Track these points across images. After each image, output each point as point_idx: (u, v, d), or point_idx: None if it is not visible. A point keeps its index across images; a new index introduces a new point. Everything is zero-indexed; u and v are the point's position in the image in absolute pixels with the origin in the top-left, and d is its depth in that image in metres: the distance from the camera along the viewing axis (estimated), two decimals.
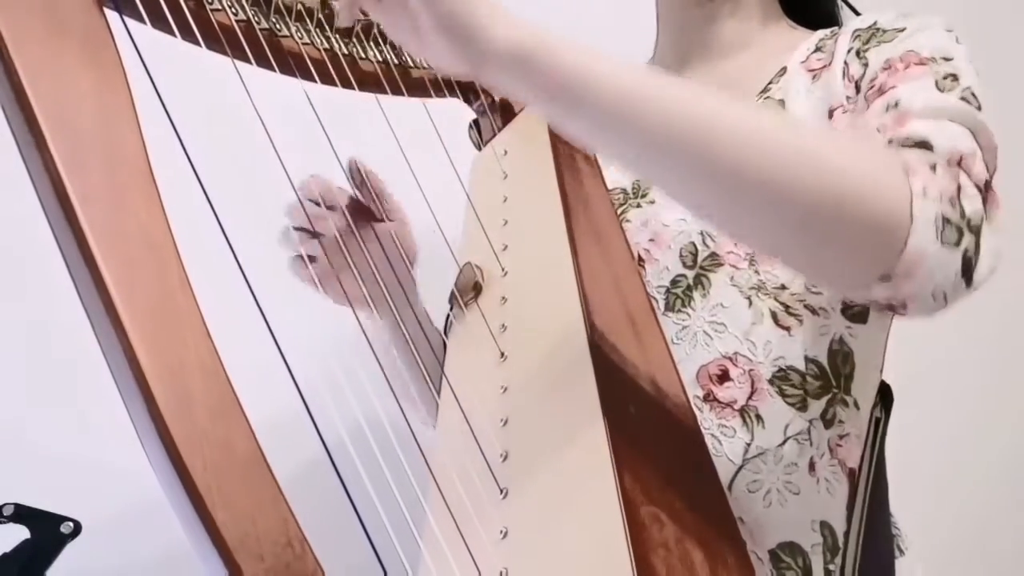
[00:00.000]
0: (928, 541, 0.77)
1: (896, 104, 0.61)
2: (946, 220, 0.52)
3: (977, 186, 0.55)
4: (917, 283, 0.52)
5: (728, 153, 0.50)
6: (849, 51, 0.72)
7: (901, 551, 0.71)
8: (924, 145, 0.56)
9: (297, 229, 0.79)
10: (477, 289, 0.74)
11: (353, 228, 0.76)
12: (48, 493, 0.56)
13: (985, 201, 0.55)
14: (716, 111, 0.51)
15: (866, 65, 0.70)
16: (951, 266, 0.52)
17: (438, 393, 0.67)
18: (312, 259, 0.78)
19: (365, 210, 0.83)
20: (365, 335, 0.60)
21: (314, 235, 0.79)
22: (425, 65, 0.80)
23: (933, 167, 0.54)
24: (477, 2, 0.51)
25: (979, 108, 0.61)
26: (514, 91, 0.54)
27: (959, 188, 0.54)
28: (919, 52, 0.65)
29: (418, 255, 0.86)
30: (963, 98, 0.61)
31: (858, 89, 0.70)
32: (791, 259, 0.56)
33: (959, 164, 0.56)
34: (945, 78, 0.63)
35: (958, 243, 0.52)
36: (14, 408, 0.99)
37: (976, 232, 0.53)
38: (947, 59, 0.64)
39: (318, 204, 0.76)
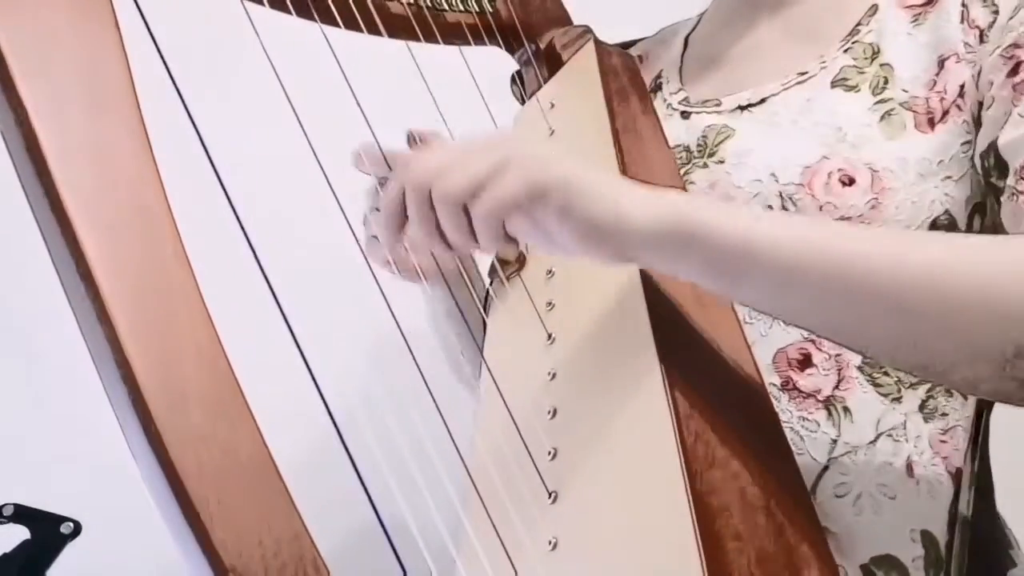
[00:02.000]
0: None
1: None
2: None
3: None
4: None
5: (917, 301, 0.48)
6: None
7: (1015, 562, 0.64)
8: None
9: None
10: (520, 261, 0.70)
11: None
12: (48, 493, 0.56)
13: None
14: (898, 254, 0.49)
15: (996, 12, 0.64)
16: None
17: None
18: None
19: None
20: (394, 317, 0.54)
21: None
22: (461, 8, 0.73)
23: None
24: (605, 194, 0.50)
25: None
26: (671, 270, 0.53)
27: None
28: None
29: None
30: None
31: (982, 38, 0.64)
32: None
33: None
34: None
35: None
36: (14, 408, 1.00)
37: None
38: None
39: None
